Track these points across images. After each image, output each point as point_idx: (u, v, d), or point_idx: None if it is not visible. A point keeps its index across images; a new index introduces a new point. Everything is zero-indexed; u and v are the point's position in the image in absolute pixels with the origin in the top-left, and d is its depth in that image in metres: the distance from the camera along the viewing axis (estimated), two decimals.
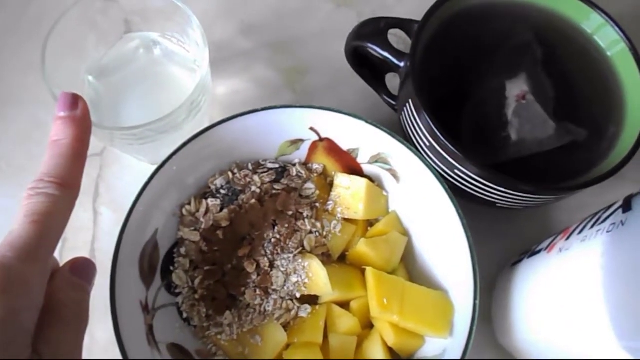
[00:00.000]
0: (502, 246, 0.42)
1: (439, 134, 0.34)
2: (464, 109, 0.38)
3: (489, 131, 0.37)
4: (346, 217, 0.39)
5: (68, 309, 0.26)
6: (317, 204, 0.39)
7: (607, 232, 0.26)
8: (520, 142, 0.36)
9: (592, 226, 0.28)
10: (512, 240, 0.42)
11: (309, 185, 0.39)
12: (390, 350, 0.36)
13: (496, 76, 0.37)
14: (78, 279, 0.27)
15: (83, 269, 0.28)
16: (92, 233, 0.42)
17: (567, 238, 0.31)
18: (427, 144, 0.36)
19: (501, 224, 0.43)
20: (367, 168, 0.40)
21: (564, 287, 0.29)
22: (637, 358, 0.24)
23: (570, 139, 0.36)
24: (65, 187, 0.26)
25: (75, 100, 0.29)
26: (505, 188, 0.34)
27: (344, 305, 0.37)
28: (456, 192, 0.36)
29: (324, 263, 0.37)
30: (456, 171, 0.36)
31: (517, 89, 0.36)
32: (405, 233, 0.39)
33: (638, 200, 0.25)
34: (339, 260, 0.39)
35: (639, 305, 0.23)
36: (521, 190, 0.34)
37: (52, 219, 0.25)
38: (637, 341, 0.23)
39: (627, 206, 0.25)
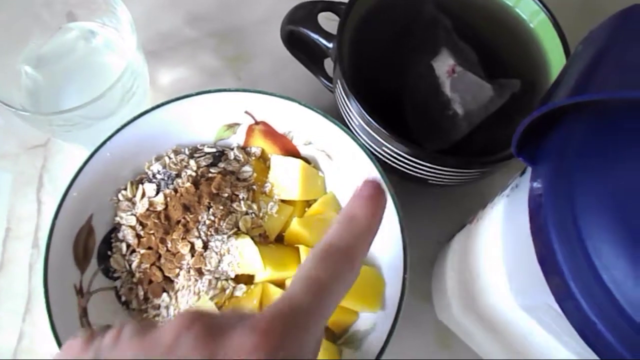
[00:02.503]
0: (441, 224, 0.43)
1: (364, 112, 0.35)
2: (403, 102, 0.38)
3: (434, 116, 0.37)
4: (283, 198, 0.39)
5: None
6: (255, 187, 0.40)
7: (507, 196, 0.26)
8: (468, 114, 0.37)
9: (501, 194, 0.29)
10: (452, 218, 0.43)
11: (247, 168, 0.40)
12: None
13: (420, 59, 0.37)
14: None
15: None
16: (36, 222, 0.42)
17: (484, 208, 0.32)
18: (357, 123, 0.37)
19: (439, 201, 0.44)
20: (303, 150, 0.41)
21: (476, 254, 0.30)
22: (533, 317, 0.24)
23: (509, 93, 0.37)
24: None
25: (381, 190, 0.26)
26: (429, 163, 0.35)
27: (281, 285, 0.37)
28: (389, 171, 0.36)
29: (260, 244, 0.37)
30: (384, 149, 0.36)
31: (444, 65, 0.37)
32: None
33: None
34: (277, 242, 0.39)
35: (529, 264, 0.23)
36: (446, 165, 0.35)
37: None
38: (530, 298, 0.24)
39: (524, 170, 0.26)
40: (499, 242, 0.26)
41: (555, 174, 0.19)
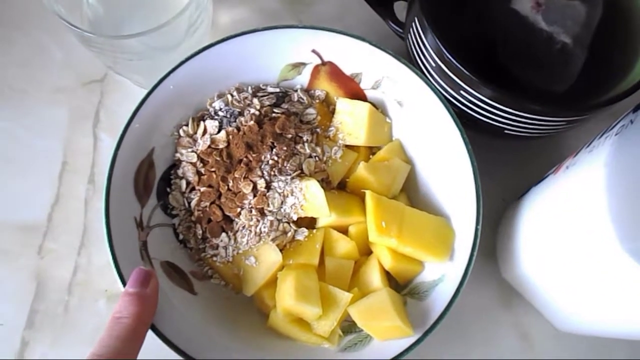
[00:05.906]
0: (508, 182, 0.41)
1: (444, 49, 0.33)
2: (488, 54, 0.36)
3: (543, 58, 0.35)
4: (347, 143, 0.38)
5: None
6: (318, 130, 0.38)
7: (616, 134, 0.24)
8: (577, 39, 0.34)
9: (601, 136, 0.26)
10: (519, 177, 0.41)
11: (310, 110, 0.38)
12: (388, 275, 0.35)
13: (497, 6, 0.35)
14: None
15: None
16: (92, 157, 0.42)
17: (575, 155, 0.29)
18: (433, 64, 0.35)
19: (508, 159, 0.42)
20: (370, 94, 0.39)
21: (569, 199, 0.27)
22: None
23: (600, 1, 0.35)
24: None
25: (147, 278, 0.29)
26: (512, 109, 0.33)
27: (342, 231, 0.36)
28: (462, 122, 0.34)
29: (323, 189, 0.36)
30: (462, 92, 0.34)
31: (526, 2, 0.35)
32: (408, 162, 0.38)
33: None
34: (339, 188, 0.38)
35: None
36: (529, 111, 0.33)
37: None
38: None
39: (638, 107, 0.24)
40: (603, 183, 0.24)
41: None
